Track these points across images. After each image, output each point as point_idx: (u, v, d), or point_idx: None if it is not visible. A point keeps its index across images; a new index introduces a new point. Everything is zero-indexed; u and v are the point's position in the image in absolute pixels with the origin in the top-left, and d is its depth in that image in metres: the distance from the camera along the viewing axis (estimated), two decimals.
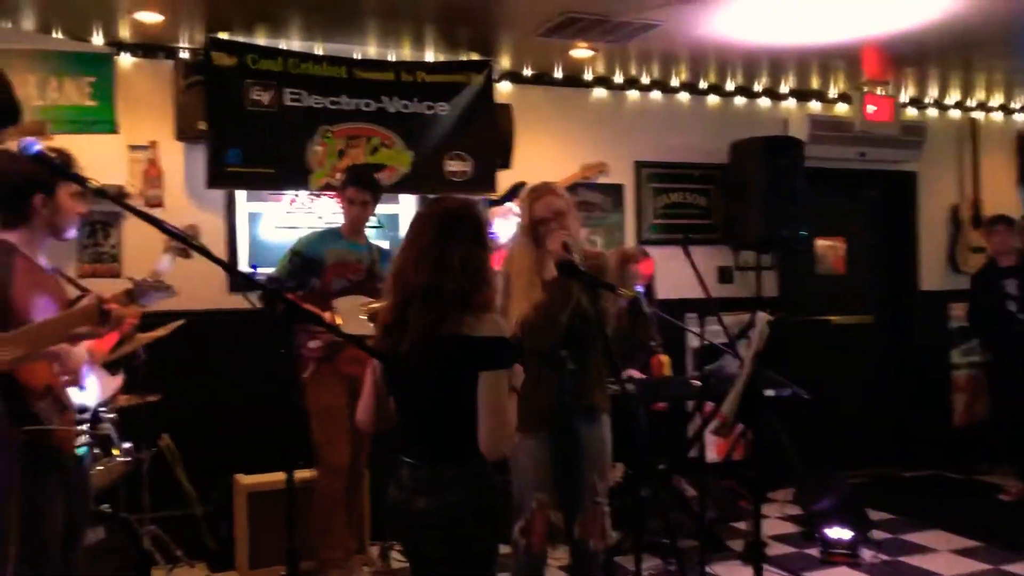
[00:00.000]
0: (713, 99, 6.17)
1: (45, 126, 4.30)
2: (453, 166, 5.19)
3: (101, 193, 2.12)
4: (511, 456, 3.08)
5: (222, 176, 4.72)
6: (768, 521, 5.34)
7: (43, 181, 2.52)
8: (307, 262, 4.29)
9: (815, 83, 6.26)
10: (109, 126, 4.55)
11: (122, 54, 4.76)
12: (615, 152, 5.84)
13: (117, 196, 2.19)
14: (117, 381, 2.94)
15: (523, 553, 3.09)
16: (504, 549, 3.25)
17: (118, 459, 3.64)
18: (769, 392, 4.55)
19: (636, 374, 4.67)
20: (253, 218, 5.06)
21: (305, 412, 4.29)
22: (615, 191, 5.95)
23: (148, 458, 4.22)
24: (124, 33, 4.68)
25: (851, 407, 6.61)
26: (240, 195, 5.00)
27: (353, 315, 4.25)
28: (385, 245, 4.75)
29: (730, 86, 6.15)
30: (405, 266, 2.26)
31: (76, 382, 2.61)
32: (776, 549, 4.82)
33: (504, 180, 5.43)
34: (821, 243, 6.65)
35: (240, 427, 4.71)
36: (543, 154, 5.64)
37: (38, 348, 2.30)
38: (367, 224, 4.44)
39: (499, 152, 5.34)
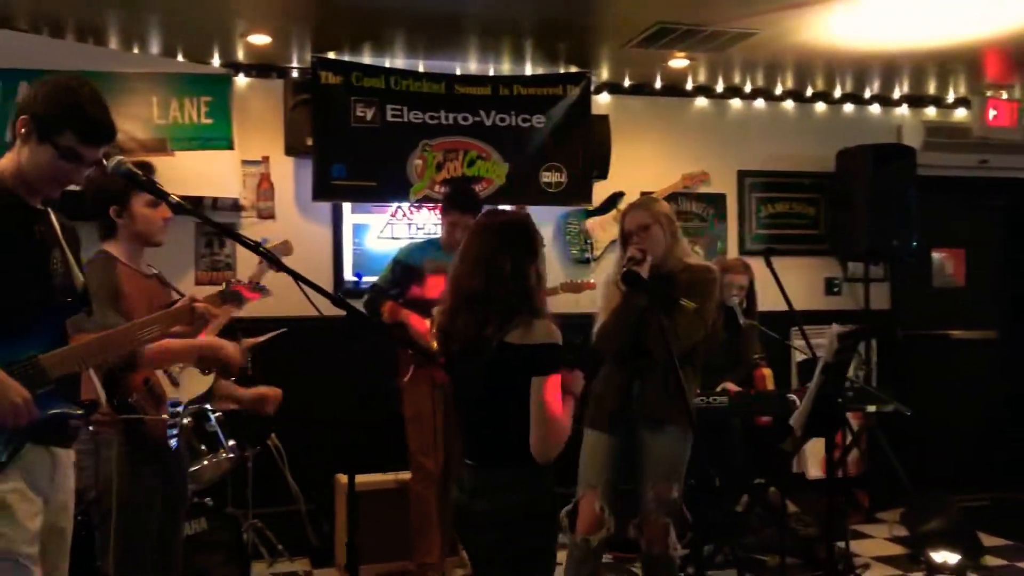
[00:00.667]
0: (820, 106, 6.02)
1: (165, 143, 4.63)
2: (548, 177, 5.25)
3: (180, 208, 2.27)
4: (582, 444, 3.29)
5: (327, 190, 4.95)
6: (874, 541, 5.16)
7: (114, 193, 2.70)
8: (407, 271, 4.43)
9: (931, 88, 6.00)
10: (225, 143, 4.82)
11: (238, 75, 5.05)
12: (717, 161, 5.79)
13: (192, 209, 2.33)
14: (208, 380, 3.12)
15: (572, 543, 3.21)
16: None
17: (224, 456, 3.85)
18: (870, 408, 4.42)
19: (732, 387, 4.59)
20: (357, 229, 5.27)
21: (401, 417, 4.43)
22: (717, 201, 5.89)
23: (252, 456, 4.44)
24: (239, 55, 4.97)
25: (972, 427, 6.28)
26: (346, 207, 5.22)
27: None
28: None
29: (838, 93, 5.98)
30: (459, 273, 2.35)
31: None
32: (879, 571, 4.65)
33: (601, 191, 5.48)
34: (937, 255, 6.36)
35: (343, 429, 4.88)
36: (642, 164, 5.65)
37: (138, 345, 2.47)
38: None
39: (595, 163, 5.37)
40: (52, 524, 2.14)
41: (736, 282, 4.71)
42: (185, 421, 3.14)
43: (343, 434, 4.83)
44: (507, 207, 4.89)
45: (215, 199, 4.95)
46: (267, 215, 5.09)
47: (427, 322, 4.33)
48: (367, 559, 4.58)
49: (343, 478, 4.75)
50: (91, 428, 2.62)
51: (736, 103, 5.90)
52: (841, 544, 4.90)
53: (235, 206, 5.02)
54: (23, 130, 2.07)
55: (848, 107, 6.05)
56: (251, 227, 5.07)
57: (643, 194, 5.61)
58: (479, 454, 2.37)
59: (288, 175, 5.14)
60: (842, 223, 5.82)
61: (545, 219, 5.56)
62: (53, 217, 2.22)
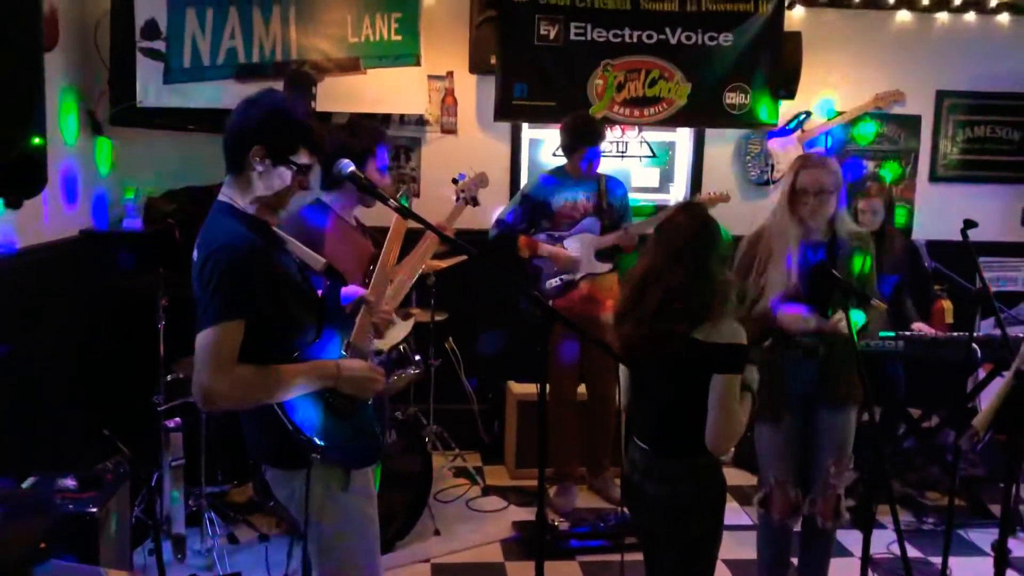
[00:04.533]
0: None
1: (358, 62, 4.80)
2: (732, 99, 5.10)
3: (402, 211, 2.41)
4: (756, 436, 3.18)
5: (508, 110, 5.01)
6: None
7: (354, 154, 2.78)
8: (536, 206, 4.52)
9: None
10: (413, 59, 4.92)
11: None
12: (914, 80, 5.46)
13: (408, 210, 2.41)
14: (408, 326, 3.35)
15: (764, 522, 3.26)
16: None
17: (412, 371, 4.16)
18: None
19: (926, 328, 4.45)
20: (534, 144, 5.38)
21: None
22: (910, 123, 5.57)
23: (435, 366, 4.77)
24: None
25: None
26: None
27: (587, 253, 4.46)
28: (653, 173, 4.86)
29: None
30: (657, 264, 2.37)
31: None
32: None
33: (787, 111, 5.31)
34: None
35: (513, 342, 5.13)
36: (833, 82, 5.42)
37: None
38: None
39: (783, 83, 5.16)
40: None
41: (871, 208, 4.47)
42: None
43: (512, 346, 5.12)
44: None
45: (402, 116, 5.13)
46: (450, 130, 5.23)
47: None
48: (532, 463, 4.91)
49: (514, 386, 5.06)
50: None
51: (942, 16, 5.46)
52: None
53: (420, 121, 5.19)
54: (257, 159, 2.14)
55: None
56: (435, 142, 5.24)
57: (831, 116, 5.46)
58: (654, 440, 2.45)
59: (471, 91, 5.23)
60: None
61: (725, 139, 5.46)
62: None
